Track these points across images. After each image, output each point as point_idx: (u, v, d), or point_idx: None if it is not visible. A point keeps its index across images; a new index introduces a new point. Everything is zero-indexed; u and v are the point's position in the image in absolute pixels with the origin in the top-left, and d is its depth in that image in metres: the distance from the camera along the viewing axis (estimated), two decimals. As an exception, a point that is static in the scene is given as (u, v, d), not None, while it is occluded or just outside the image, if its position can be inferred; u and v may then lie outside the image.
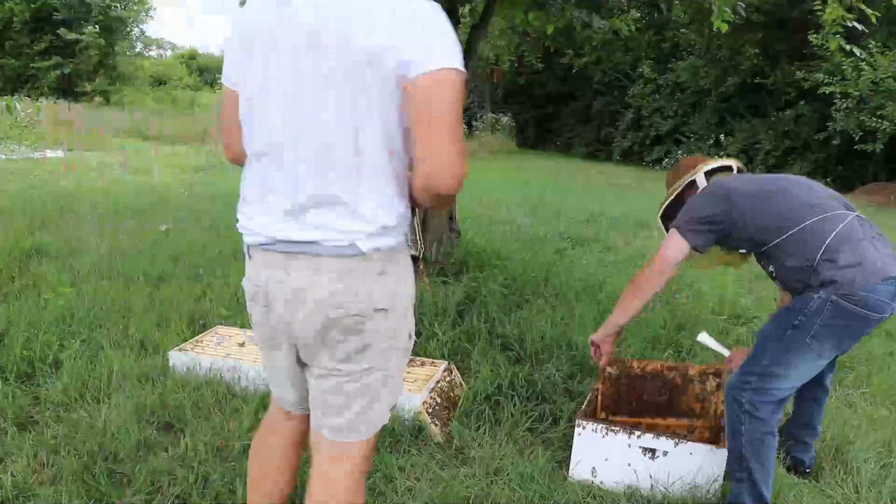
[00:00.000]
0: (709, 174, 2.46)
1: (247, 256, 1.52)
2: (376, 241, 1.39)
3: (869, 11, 3.88)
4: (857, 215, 2.21)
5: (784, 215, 2.21)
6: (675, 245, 2.28)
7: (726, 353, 2.67)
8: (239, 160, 1.58)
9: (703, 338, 2.72)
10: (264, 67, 1.39)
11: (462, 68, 1.33)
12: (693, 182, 2.47)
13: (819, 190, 2.32)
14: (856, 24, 3.93)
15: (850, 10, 3.86)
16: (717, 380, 2.67)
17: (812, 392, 2.47)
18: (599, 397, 2.72)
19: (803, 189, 2.29)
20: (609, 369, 2.70)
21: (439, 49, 1.31)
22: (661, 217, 2.57)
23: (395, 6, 1.32)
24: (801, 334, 2.12)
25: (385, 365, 1.50)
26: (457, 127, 1.33)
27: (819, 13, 4.14)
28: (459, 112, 1.34)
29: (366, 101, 1.34)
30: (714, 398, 2.67)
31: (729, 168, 2.50)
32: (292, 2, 1.37)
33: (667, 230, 2.45)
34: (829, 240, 2.12)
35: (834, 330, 2.10)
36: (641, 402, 2.77)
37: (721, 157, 2.62)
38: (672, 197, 2.51)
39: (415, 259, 3.50)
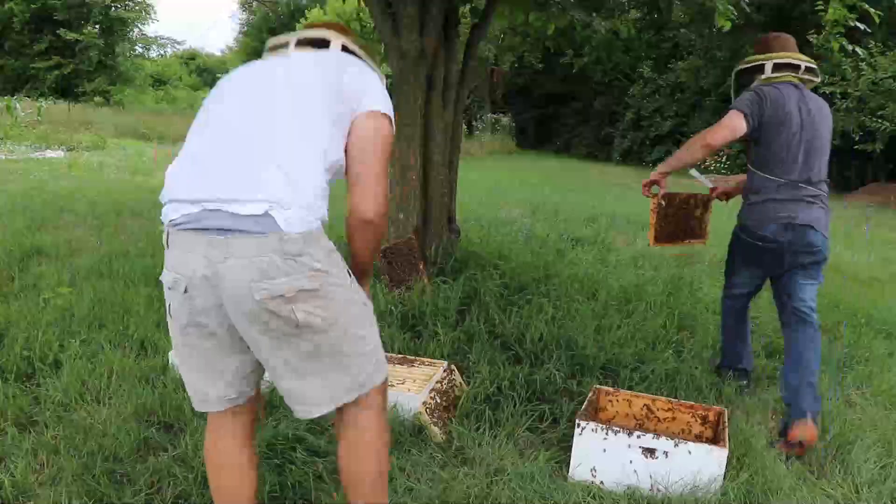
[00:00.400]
0: (777, 66, 2.89)
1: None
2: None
3: (872, 11, 3.87)
4: (806, 190, 2.83)
5: (776, 166, 2.84)
6: (739, 122, 2.80)
7: (710, 184, 3.34)
8: None
9: (693, 172, 3.30)
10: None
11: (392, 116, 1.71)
12: (762, 67, 2.92)
13: (817, 162, 2.90)
14: (857, 23, 3.93)
15: (852, 9, 3.85)
16: (706, 205, 3.37)
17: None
18: (653, 229, 3.18)
19: (807, 157, 2.86)
20: (661, 201, 3.15)
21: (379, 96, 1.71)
22: (735, 73, 3.09)
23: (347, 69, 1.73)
24: (729, 255, 3.13)
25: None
26: (386, 166, 1.70)
27: (821, 13, 4.13)
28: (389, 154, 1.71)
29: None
30: (704, 219, 3.38)
31: (796, 66, 2.89)
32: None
33: (736, 90, 3.03)
34: (763, 189, 2.86)
35: (741, 252, 3.02)
36: (675, 229, 3.28)
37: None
38: (746, 66, 3.01)
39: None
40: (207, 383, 1.68)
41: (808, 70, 2.90)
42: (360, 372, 1.65)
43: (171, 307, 1.60)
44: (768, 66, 2.89)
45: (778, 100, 2.80)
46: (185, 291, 1.54)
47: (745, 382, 3.19)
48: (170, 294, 1.59)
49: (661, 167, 3.07)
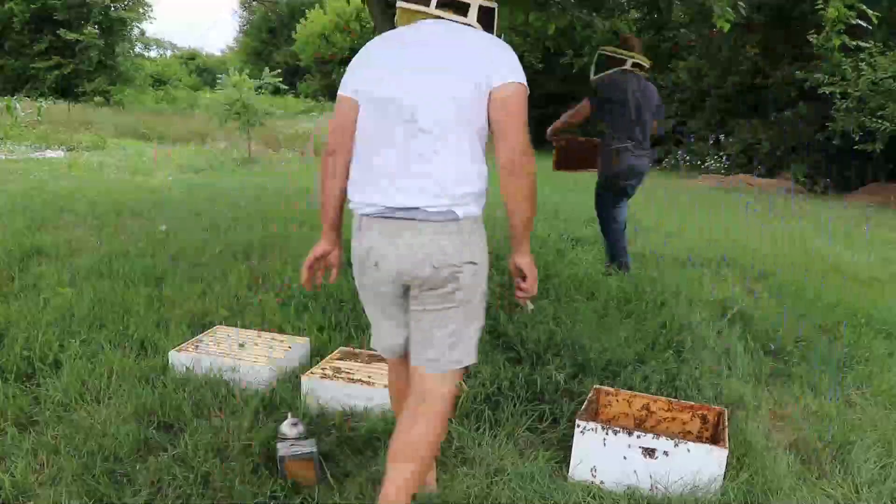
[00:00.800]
0: (633, 64, 4.45)
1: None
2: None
3: (870, 12, 3.88)
4: (639, 146, 4.52)
5: (622, 130, 4.46)
6: (587, 107, 4.58)
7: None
8: None
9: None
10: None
11: None
12: (624, 61, 4.44)
13: (645, 129, 4.52)
14: (860, 20, 3.93)
15: (851, 7, 3.86)
16: (596, 148, 4.74)
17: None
18: (555, 161, 4.89)
19: (640, 125, 4.48)
20: (562, 143, 4.87)
21: None
22: (599, 54, 4.54)
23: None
24: (604, 197, 4.76)
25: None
26: (526, 122, 1.94)
27: (821, 12, 4.13)
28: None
29: None
30: (594, 156, 4.74)
31: (643, 66, 4.51)
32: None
33: (596, 67, 4.57)
34: (615, 144, 4.48)
35: (613, 188, 4.67)
36: (572, 162, 4.88)
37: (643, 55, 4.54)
38: (611, 55, 4.50)
39: None
40: (393, 335, 2.04)
41: (647, 69, 4.54)
42: (469, 346, 1.97)
43: (364, 277, 1.96)
44: (629, 63, 4.42)
45: (625, 86, 4.37)
46: (376, 265, 1.90)
47: (629, 270, 4.75)
48: (360, 267, 1.95)
49: (553, 127, 4.77)
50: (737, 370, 3.39)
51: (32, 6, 25.65)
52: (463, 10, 1.94)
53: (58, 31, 25.61)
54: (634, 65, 4.39)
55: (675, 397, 2.93)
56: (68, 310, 3.63)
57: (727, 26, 4.04)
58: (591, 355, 3.26)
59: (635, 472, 2.34)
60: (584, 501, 2.26)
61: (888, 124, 12.99)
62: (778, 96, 17.16)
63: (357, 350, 3.20)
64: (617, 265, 4.79)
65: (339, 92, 1.98)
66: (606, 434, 2.36)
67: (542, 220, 7.51)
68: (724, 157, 18.45)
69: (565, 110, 4.90)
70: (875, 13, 3.93)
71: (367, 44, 2.03)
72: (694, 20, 19.20)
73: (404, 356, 2.07)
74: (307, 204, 6.76)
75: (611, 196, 4.68)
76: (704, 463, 2.29)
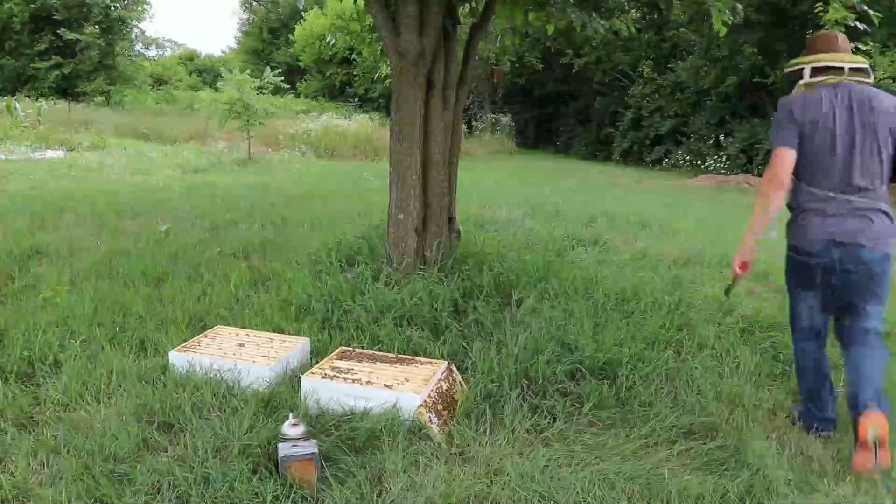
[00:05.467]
0: (815, 71, 2.73)
1: None
2: None
3: (871, 12, 3.88)
4: (845, 198, 2.64)
5: (811, 175, 2.69)
6: (784, 154, 2.70)
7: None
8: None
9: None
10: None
11: None
12: (802, 71, 2.79)
13: (856, 170, 2.63)
14: (857, 23, 3.93)
15: (851, 9, 3.86)
16: None
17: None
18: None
19: (848, 162, 2.63)
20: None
21: None
22: (784, 76, 2.96)
23: None
24: (786, 280, 2.93)
25: None
26: None
27: (821, 13, 4.13)
28: None
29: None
30: None
31: (839, 69, 2.69)
32: None
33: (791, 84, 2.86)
34: (805, 203, 2.73)
35: (791, 271, 2.86)
36: None
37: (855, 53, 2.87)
38: (789, 70, 2.90)
39: None
40: None
41: (856, 70, 2.68)
42: None
43: None
44: (806, 72, 2.74)
45: (807, 107, 2.66)
46: None
47: (831, 432, 2.83)
48: None
49: (745, 242, 2.85)
50: (737, 370, 3.39)
51: (32, 6, 25.63)
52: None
53: (58, 31, 25.60)
54: (819, 71, 2.71)
55: (675, 397, 2.92)
56: (68, 310, 3.63)
57: (724, 30, 4.04)
58: (590, 354, 3.26)
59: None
60: (585, 501, 2.26)
61: (888, 124, 13.00)
62: (778, 96, 17.19)
63: (357, 350, 3.20)
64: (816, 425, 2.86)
65: None
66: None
67: (543, 220, 7.52)
68: (724, 157, 18.46)
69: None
70: (876, 13, 3.93)
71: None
72: (693, 20, 19.25)
73: None
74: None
75: (796, 289, 2.88)
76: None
